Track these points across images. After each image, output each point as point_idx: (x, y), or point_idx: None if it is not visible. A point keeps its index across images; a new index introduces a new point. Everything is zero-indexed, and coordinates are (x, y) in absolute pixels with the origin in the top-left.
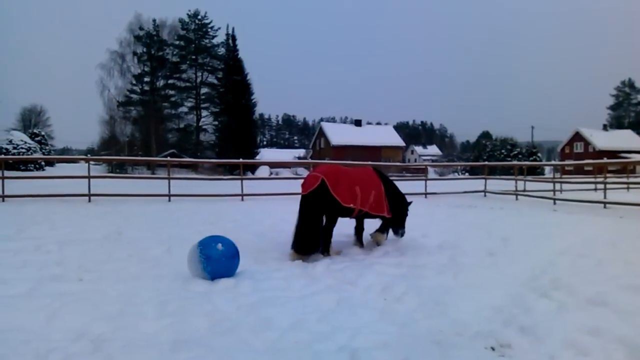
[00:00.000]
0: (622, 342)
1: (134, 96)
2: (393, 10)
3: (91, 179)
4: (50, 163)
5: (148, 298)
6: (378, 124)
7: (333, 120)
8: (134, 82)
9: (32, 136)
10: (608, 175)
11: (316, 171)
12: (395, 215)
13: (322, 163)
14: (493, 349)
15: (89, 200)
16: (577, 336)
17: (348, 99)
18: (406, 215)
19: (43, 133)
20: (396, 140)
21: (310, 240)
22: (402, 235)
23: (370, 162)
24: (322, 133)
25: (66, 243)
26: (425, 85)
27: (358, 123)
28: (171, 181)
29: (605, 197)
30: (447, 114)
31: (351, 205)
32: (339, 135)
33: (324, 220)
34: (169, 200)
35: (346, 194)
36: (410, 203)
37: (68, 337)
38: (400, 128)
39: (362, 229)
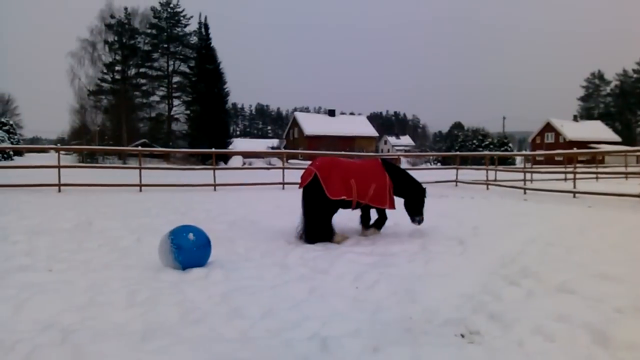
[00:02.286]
0: (587, 328)
1: (105, 85)
2: (368, 0)
3: (61, 169)
4: (19, 153)
5: (118, 288)
6: (352, 114)
7: (307, 110)
8: (105, 70)
9: (0, 125)
10: (578, 165)
11: (313, 164)
12: (409, 203)
13: (295, 153)
14: (462, 335)
15: (59, 190)
16: (545, 322)
17: (322, 89)
18: (422, 202)
19: (11, 122)
20: (369, 130)
21: (316, 230)
22: (419, 222)
23: (343, 152)
24: (295, 123)
25: (35, 233)
26: (398, 76)
27: (332, 113)
28: (142, 171)
29: (574, 187)
30: (420, 104)
31: (343, 197)
32: (312, 125)
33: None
34: (140, 190)
35: (337, 187)
36: (425, 190)
37: (35, 328)
38: (374, 118)
39: (368, 219)
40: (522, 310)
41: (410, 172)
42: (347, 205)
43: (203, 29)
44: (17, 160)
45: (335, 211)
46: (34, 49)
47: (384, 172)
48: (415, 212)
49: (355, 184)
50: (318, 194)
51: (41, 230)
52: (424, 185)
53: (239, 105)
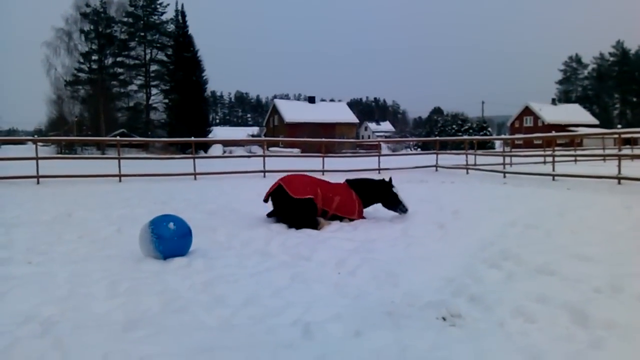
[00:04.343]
0: (567, 308)
1: (82, 75)
2: None
3: (39, 160)
4: None
5: (99, 279)
6: (332, 100)
7: (287, 97)
8: (82, 60)
9: None
10: (556, 148)
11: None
12: (386, 203)
13: (275, 140)
14: (444, 318)
15: (38, 182)
16: (525, 304)
17: (301, 76)
18: (394, 195)
19: None
20: (350, 117)
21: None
22: (403, 211)
23: (324, 139)
24: (275, 110)
25: (14, 226)
26: (378, 62)
27: (311, 100)
28: (121, 161)
29: (553, 170)
30: (400, 90)
31: (309, 196)
32: (292, 112)
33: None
34: (120, 181)
35: (301, 189)
36: (387, 182)
37: (15, 320)
38: (354, 105)
39: None
40: (503, 292)
41: (390, 159)
42: (315, 211)
43: (180, 17)
44: None
45: (310, 210)
46: (6, 38)
47: (349, 188)
48: (395, 205)
49: (320, 191)
50: (284, 197)
51: (20, 223)
52: (387, 179)
53: (218, 93)
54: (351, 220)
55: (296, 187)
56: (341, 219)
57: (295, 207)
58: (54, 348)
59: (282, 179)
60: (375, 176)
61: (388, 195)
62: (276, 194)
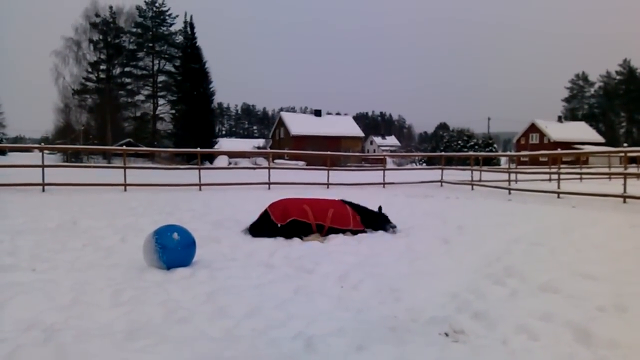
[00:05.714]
0: (570, 326)
1: (90, 84)
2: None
3: (45, 168)
4: (2, 152)
5: (102, 287)
6: (338, 114)
7: (293, 110)
8: (90, 69)
9: None
10: (562, 165)
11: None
12: (375, 225)
13: (281, 153)
14: (447, 334)
15: (43, 190)
16: (529, 321)
17: (308, 89)
18: (381, 219)
19: None
20: (355, 130)
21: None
22: (392, 230)
23: (329, 152)
24: (281, 123)
25: (19, 233)
26: (384, 76)
27: (318, 113)
28: (127, 170)
29: (559, 187)
30: (406, 105)
31: (293, 218)
32: (298, 125)
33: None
34: (125, 190)
35: (277, 214)
36: (384, 215)
37: (18, 327)
38: (360, 119)
39: None
40: (506, 309)
41: (395, 173)
42: (307, 229)
43: (188, 28)
44: (0, 160)
45: (293, 231)
46: (17, 46)
47: (342, 203)
48: (381, 227)
49: (309, 207)
50: (267, 221)
51: (25, 230)
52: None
53: (225, 105)
54: (354, 233)
55: (278, 214)
56: (344, 232)
57: (277, 231)
58: (56, 356)
59: (270, 206)
60: (380, 190)
61: (382, 221)
62: (264, 218)
